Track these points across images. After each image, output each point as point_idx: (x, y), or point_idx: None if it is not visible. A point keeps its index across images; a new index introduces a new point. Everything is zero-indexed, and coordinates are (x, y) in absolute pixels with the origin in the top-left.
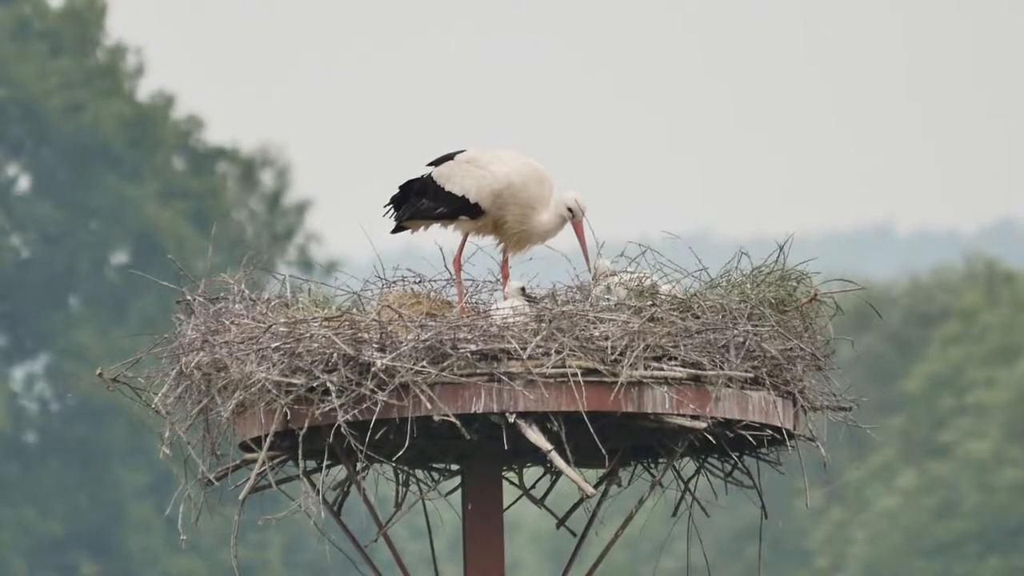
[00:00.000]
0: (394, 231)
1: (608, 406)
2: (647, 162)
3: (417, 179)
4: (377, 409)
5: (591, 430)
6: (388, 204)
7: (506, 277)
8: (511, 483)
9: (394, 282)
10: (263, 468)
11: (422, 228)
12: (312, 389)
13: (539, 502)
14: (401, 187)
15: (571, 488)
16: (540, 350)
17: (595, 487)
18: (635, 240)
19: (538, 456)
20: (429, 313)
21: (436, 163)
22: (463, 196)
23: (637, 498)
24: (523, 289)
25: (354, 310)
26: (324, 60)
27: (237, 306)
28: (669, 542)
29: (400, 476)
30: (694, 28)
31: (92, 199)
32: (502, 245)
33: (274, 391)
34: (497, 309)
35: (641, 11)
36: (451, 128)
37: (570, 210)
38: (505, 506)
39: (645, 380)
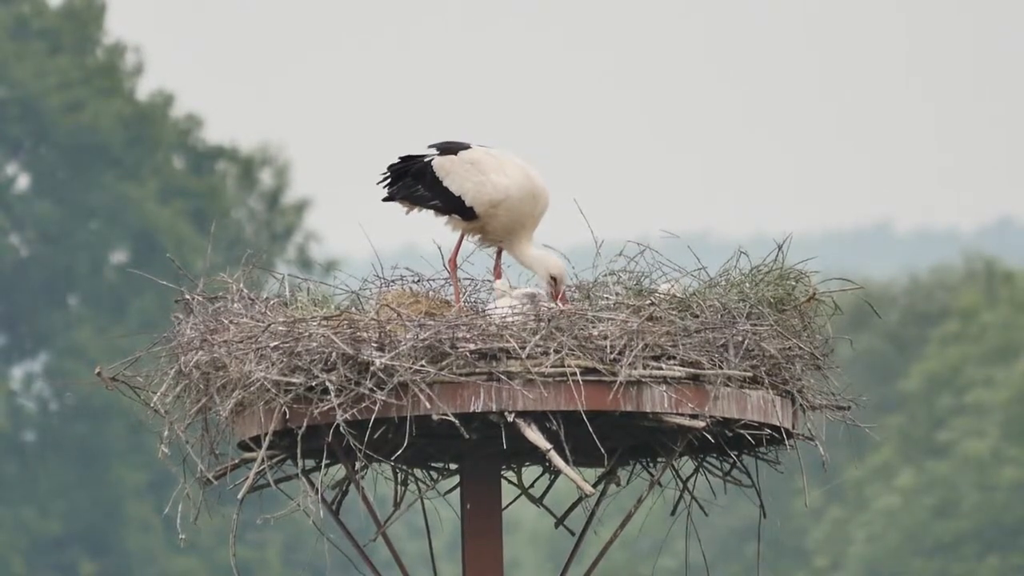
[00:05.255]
0: (385, 200)
1: (607, 405)
2: (647, 162)
3: (418, 158)
4: (376, 408)
5: (590, 429)
6: (385, 173)
7: (498, 276)
8: (510, 482)
9: (393, 281)
10: (262, 467)
11: (416, 210)
12: (311, 388)
13: (538, 501)
14: (402, 158)
15: (570, 487)
16: (539, 349)
17: (594, 486)
18: (634, 239)
19: (537, 455)
20: (428, 312)
21: (440, 150)
22: (459, 197)
23: (636, 497)
24: (532, 296)
25: (353, 309)
26: (323, 59)
27: (236, 305)
28: (668, 541)
29: (399, 475)
30: (695, 28)
31: (91, 198)
32: (488, 242)
33: (273, 390)
34: (495, 308)
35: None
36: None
37: (553, 279)
38: (504, 505)
39: (644, 379)
